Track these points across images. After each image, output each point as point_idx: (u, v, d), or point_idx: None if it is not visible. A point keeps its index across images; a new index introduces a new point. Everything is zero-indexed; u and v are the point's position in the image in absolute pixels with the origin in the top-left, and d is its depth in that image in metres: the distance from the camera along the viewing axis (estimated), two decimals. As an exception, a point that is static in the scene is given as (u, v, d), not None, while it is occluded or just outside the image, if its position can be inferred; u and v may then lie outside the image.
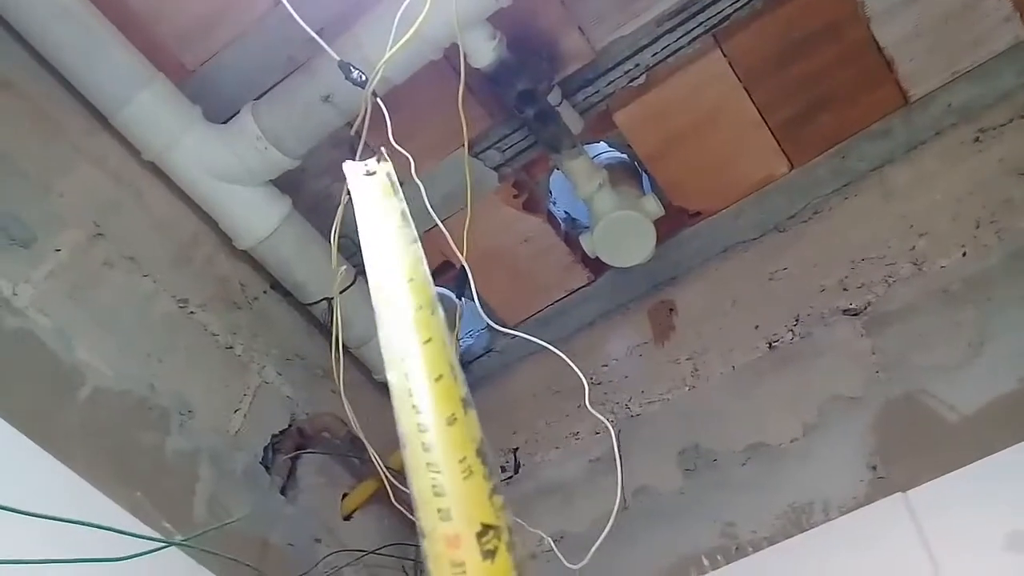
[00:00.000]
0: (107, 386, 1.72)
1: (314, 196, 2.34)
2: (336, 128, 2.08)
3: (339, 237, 1.70)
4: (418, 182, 1.47)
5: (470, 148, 2.10)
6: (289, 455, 2.05)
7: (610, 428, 1.74)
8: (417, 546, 2.22)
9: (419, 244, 0.99)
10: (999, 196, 2.08)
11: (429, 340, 0.90)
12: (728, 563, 1.88)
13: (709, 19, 2.16)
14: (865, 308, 2.11)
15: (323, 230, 2.30)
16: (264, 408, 2.08)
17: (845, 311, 2.14)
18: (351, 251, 2.21)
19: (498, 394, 2.61)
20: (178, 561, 1.56)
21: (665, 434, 2.21)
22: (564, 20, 2.17)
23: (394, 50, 1.42)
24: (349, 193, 1.07)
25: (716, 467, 2.07)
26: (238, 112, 2.11)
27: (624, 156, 2.46)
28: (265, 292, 2.29)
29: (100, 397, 1.69)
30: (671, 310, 2.47)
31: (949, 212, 2.13)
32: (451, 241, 1.59)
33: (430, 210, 1.51)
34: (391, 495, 1.87)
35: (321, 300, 2.25)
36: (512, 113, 2.23)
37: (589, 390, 1.67)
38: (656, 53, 2.22)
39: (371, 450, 1.89)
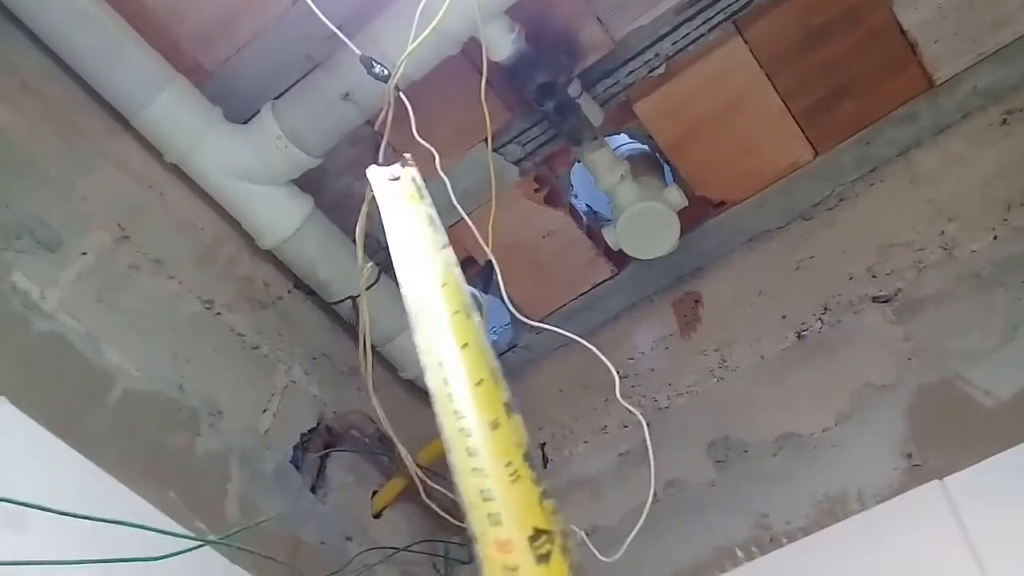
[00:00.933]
0: (136, 388, 1.72)
1: (335, 194, 2.34)
2: (356, 126, 2.08)
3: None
4: (443, 177, 1.47)
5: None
6: (318, 454, 2.05)
7: (642, 420, 1.72)
8: (448, 542, 2.23)
9: (450, 248, 0.98)
10: (1029, 177, 2.05)
11: (466, 345, 0.90)
12: (763, 554, 1.86)
13: (729, 6, 2.14)
14: (895, 295, 2.09)
15: (345, 228, 2.30)
16: (292, 407, 2.09)
17: (875, 298, 2.11)
18: (374, 249, 2.22)
19: (523, 390, 2.59)
20: (213, 560, 1.56)
21: (694, 426, 2.19)
22: (583, 11, 2.16)
23: (416, 43, 1.41)
24: (373, 195, 1.06)
25: (747, 458, 2.05)
26: (258, 112, 2.11)
27: (645, 147, 2.44)
28: (289, 291, 2.29)
29: (130, 399, 1.70)
30: (696, 302, 2.45)
31: (978, 195, 2.11)
32: (478, 236, 1.58)
33: (457, 206, 1.51)
34: (422, 492, 1.86)
35: (346, 299, 2.25)
36: (532, 106, 2.21)
37: (620, 383, 1.65)
38: (676, 42, 2.20)
39: (400, 447, 1.88)
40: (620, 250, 2.34)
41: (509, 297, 1.80)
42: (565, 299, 2.57)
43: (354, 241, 2.20)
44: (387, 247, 1.00)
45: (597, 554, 1.73)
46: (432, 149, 1.49)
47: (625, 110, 2.31)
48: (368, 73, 1.52)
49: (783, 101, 2.24)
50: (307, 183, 2.21)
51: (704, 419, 2.19)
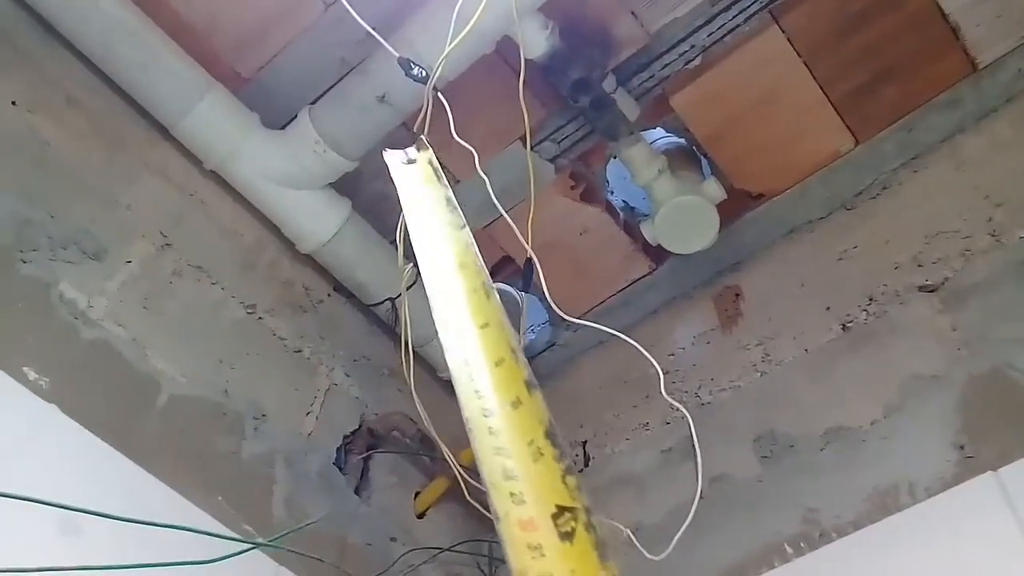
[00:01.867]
0: (182, 393, 1.75)
1: (372, 197, 2.35)
2: (392, 128, 2.08)
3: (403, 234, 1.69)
4: (483, 175, 1.46)
5: (526, 140, 2.08)
6: (361, 455, 2.06)
7: (687, 416, 1.70)
8: (492, 542, 2.22)
9: (468, 230, 0.98)
10: (1079, 160, 1.99)
11: (486, 325, 0.89)
12: (812, 550, 1.83)
13: (765, -6, 2.11)
14: (942, 283, 2.04)
15: (382, 230, 2.31)
16: (334, 409, 2.10)
17: (921, 288, 2.07)
18: (408, 251, 2.22)
19: (563, 388, 2.58)
20: (262, 563, 1.58)
21: (738, 421, 2.16)
22: (616, 5, 2.14)
23: (454, 44, 1.41)
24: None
25: (794, 453, 2.02)
26: (294, 117, 2.13)
27: (682, 141, 2.42)
28: (329, 295, 2.31)
29: (176, 404, 1.72)
30: (737, 295, 2.42)
31: (1026, 180, 2.05)
32: (518, 233, 1.57)
33: (497, 204, 1.50)
34: (465, 492, 1.86)
35: (384, 301, 2.26)
36: (567, 103, 2.20)
37: (663, 378, 1.64)
38: (712, 33, 2.18)
39: (443, 447, 1.89)
40: (658, 245, 2.32)
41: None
42: (603, 296, 2.56)
43: (391, 243, 2.22)
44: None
45: (645, 552, 1.72)
46: (471, 149, 1.48)
47: (661, 104, 2.29)
48: (407, 75, 1.52)
49: (822, 89, 2.20)
50: (344, 186, 2.22)
51: (749, 414, 2.16)
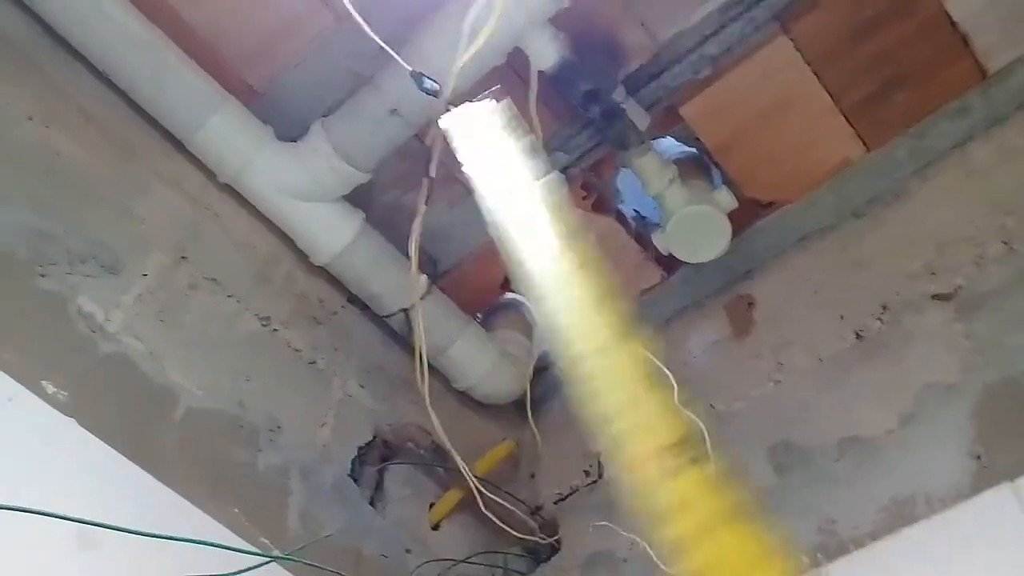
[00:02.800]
0: (199, 406, 1.75)
1: (384, 208, 2.35)
2: (404, 140, 2.10)
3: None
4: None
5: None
6: (376, 467, 2.06)
7: (702, 427, 1.70)
8: (507, 553, 2.22)
9: (553, 174, 0.98)
10: (1091, 166, 1.99)
11: (583, 264, 0.90)
12: (830, 561, 1.82)
13: (774, 3, 2.11)
14: (955, 292, 2.03)
15: (395, 241, 2.32)
16: (349, 421, 2.10)
17: (934, 296, 2.06)
18: (421, 261, 2.23)
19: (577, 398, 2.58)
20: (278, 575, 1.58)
21: (752, 431, 2.15)
22: (625, 16, 2.15)
23: (467, 57, 1.42)
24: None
25: (809, 463, 2.01)
26: (307, 130, 2.14)
27: (692, 150, 2.42)
28: (343, 306, 2.31)
29: (193, 417, 1.73)
30: (750, 304, 2.42)
31: (1039, 187, 2.05)
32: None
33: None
34: (481, 503, 1.86)
35: (398, 312, 2.26)
36: (576, 114, 2.21)
37: (677, 389, 1.63)
38: (721, 43, 2.18)
39: (457, 458, 1.89)
40: (669, 254, 2.32)
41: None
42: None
43: (404, 254, 2.23)
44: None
45: (660, 564, 1.71)
46: (484, 161, 1.49)
47: (671, 113, 2.29)
48: (419, 88, 1.53)
49: (832, 97, 2.21)
50: (357, 198, 2.23)
51: (763, 423, 2.15)
